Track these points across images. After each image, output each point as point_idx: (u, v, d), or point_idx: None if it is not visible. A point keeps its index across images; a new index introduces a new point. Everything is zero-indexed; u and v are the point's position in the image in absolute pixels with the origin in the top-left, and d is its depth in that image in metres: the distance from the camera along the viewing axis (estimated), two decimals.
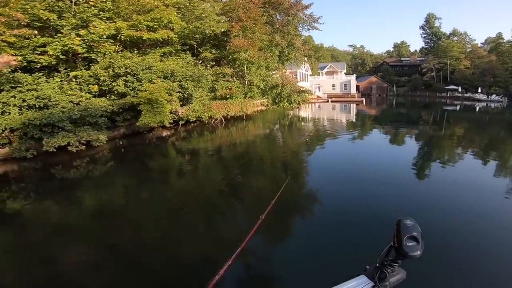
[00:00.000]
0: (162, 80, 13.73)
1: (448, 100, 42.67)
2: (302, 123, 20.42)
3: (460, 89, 45.74)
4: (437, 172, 7.76)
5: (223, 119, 16.21)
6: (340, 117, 24.44)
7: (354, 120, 22.12)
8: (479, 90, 42.22)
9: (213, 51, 18.56)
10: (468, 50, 51.44)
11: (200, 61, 17.54)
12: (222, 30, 17.38)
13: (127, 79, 13.14)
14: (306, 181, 7.47)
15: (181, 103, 14.85)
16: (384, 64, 63.78)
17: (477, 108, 30.93)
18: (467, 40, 53.49)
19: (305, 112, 27.06)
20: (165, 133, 14.08)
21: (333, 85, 45.28)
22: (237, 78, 19.32)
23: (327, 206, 5.46)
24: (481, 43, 54.51)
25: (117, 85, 12.93)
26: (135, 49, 15.06)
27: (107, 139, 11.18)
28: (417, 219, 0.85)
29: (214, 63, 18.54)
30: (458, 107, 32.64)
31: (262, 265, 3.75)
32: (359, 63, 77.71)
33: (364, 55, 79.24)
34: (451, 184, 6.63)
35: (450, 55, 49.19)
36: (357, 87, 47.90)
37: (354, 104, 33.77)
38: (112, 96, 13.16)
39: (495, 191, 6.16)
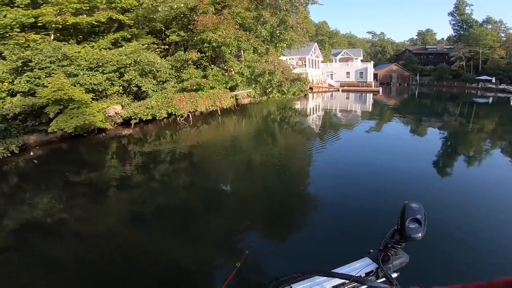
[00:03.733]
0: (90, 71, 11.07)
1: (479, 92, 39.34)
2: (302, 118, 16.03)
3: (493, 80, 42.09)
4: (457, 168, 7.46)
5: (190, 115, 13.32)
6: (355, 108, 22.34)
7: (370, 111, 20.08)
8: None
9: (182, 33, 15.76)
10: (503, 39, 47.24)
11: (166, 46, 15.53)
12: (189, 6, 14.83)
13: (33, 74, 10.32)
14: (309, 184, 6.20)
15: (131, 97, 12.56)
16: (407, 51, 60.08)
17: None
18: (503, 28, 49.15)
19: (313, 102, 24.74)
20: (125, 132, 11.56)
21: (347, 73, 42.70)
22: (217, 64, 17.08)
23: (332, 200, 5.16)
24: None
25: (19, 82, 10.15)
26: (70, 37, 12.53)
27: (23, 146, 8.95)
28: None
29: (183, 47, 16.20)
30: (490, 100, 29.70)
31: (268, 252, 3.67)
32: (378, 51, 74.03)
33: (385, 42, 75.32)
34: (471, 180, 6.38)
35: (483, 44, 45.38)
36: (375, 75, 45.03)
37: (371, 94, 31.29)
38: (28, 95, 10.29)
39: None
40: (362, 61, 46.73)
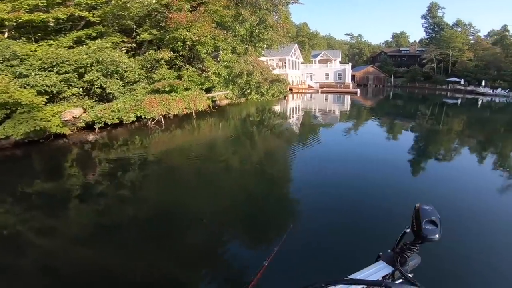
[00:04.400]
0: (43, 72, 10.12)
1: (449, 93, 41.59)
2: (282, 120, 15.78)
3: (462, 82, 44.63)
4: (432, 166, 7.94)
5: (162, 119, 12.54)
6: (334, 109, 22.66)
7: (348, 112, 20.41)
8: (483, 84, 41.19)
9: (154, 31, 14.82)
10: (471, 41, 50.27)
11: (136, 45, 14.67)
12: (162, 2, 14.09)
13: None
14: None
15: (95, 100, 11.67)
16: (382, 54, 62.35)
17: (480, 103, 29.66)
18: (471, 31, 52.40)
19: (293, 103, 24.83)
20: (89, 137, 10.58)
21: (326, 74, 43.51)
22: (193, 65, 16.45)
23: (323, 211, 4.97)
24: (484, 36, 53.52)
25: None
26: (29, 35, 11.62)
27: None
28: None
29: (155, 47, 15.42)
30: (459, 101, 31.43)
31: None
32: (356, 53, 76.33)
33: (362, 44, 77.84)
34: (445, 179, 6.73)
35: (452, 46, 48.07)
36: (353, 77, 46.29)
37: (349, 95, 32.02)
38: None
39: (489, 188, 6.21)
40: (340, 62, 47.82)
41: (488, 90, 38.95)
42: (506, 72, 41.82)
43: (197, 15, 14.63)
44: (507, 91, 38.24)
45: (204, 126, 13.39)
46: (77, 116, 10.53)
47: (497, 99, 33.34)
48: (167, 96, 13.06)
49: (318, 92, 35.75)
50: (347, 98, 29.72)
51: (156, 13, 14.94)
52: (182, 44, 14.74)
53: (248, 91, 17.39)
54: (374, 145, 10.05)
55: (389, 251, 1.02)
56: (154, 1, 13.88)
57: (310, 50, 53.26)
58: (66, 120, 9.95)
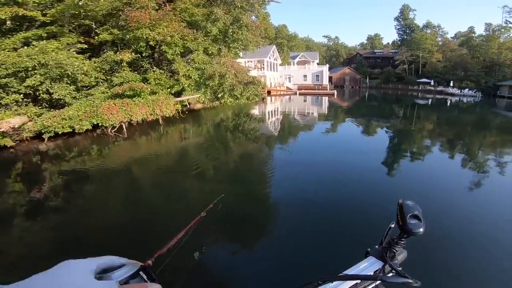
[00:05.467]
0: None
1: (420, 94, 43.48)
2: (259, 123, 15.32)
3: (432, 83, 46.87)
4: (406, 164, 8.34)
5: (124, 126, 11.56)
6: (312, 111, 22.71)
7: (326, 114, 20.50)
8: (451, 84, 43.45)
9: (115, 31, 13.60)
10: (440, 43, 53.01)
11: (94, 45, 13.62)
12: (124, 1, 13.22)
13: None
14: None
15: (44, 107, 10.66)
16: (358, 55, 64.27)
17: (449, 103, 31.15)
18: (440, 33, 55.23)
19: (272, 106, 24.66)
20: (39, 148, 9.49)
21: (305, 76, 44.01)
22: (162, 67, 15.49)
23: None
24: (451, 37, 56.59)
25: None
26: None
27: None
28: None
29: (117, 48, 14.34)
30: (430, 101, 32.82)
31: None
32: (333, 54, 78.11)
33: (339, 46, 79.84)
34: (418, 175, 7.15)
35: (422, 48, 50.39)
36: (330, 78, 47.14)
37: (327, 97, 32.40)
38: None
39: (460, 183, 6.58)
40: (318, 64, 48.61)
41: (456, 91, 41.17)
42: (472, 73, 44.43)
43: (162, 13, 13.70)
44: (474, 91, 40.63)
45: (173, 133, 12.62)
46: (17, 126, 9.37)
47: (465, 99, 35.27)
48: (128, 101, 12.00)
49: (296, 94, 35.94)
50: (325, 100, 30.09)
51: (118, 12, 13.87)
52: (145, 44, 13.75)
53: (221, 94, 16.56)
54: (351, 146, 10.36)
55: (377, 246, 1.04)
56: None
57: (288, 51, 53.70)
58: (3, 132, 8.88)
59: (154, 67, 15.02)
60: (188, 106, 16.19)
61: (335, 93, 34.54)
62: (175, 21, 14.34)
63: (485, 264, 3.55)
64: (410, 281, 0.84)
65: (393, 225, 0.98)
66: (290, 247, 3.94)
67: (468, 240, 4.07)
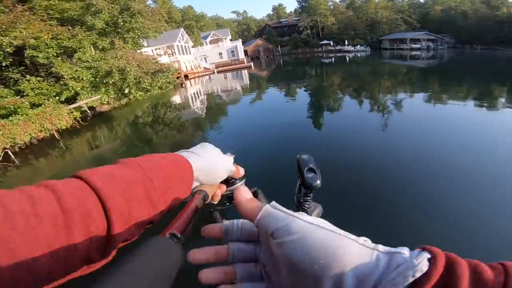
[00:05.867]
0: None
1: (324, 54, 48.70)
2: (182, 110, 14.53)
3: (331, 43, 52.76)
4: (326, 117, 9.14)
5: (10, 153, 9.28)
6: (235, 86, 22.87)
7: (248, 86, 21.00)
8: (346, 43, 49.83)
9: None
10: (331, 7, 59.19)
11: None
12: None
13: None
14: None
15: None
16: (267, 26, 66.60)
17: (348, 59, 35.90)
18: None
19: (192, 89, 23.66)
20: None
21: (220, 54, 43.55)
22: (40, 73, 13.04)
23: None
24: (339, 1, 63.67)
25: None
26: None
27: None
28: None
29: None
30: (333, 60, 37.21)
31: None
32: (244, 29, 78.78)
33: (248, 20, 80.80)
34: (336, 125, 8.17)
35: (319, 13, 55.40)
36: (245, 52, 47.95)
37: (246, 70, 33.01)
38: None
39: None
40: (231, 40, 48.38)
41: (351, 48, 47.66)
42: (360, 31, 51.84)
43: (13, 16, 11.29)
44: (364, 46, 47.72)
45: (79, 144, 10.50)
46: None
47: (359, 54, 41.26)
48: (3, 122, 9.66)
49: (214, 72, 35.39)
50: (245, 73, 30.67)
51: None
52: (1, 52, 11.14)
53: (128, 90, 14.96)
54: (275, 109, 11.08)
55: (296, 204, 1.04)
56: None
57: (199, 32, 51.50)
58: None
59: (27, 76, 12.25)
60: (91, 111, 13.93)
61: (252, 65, 35.50)
62: (36, 21, 12.01)
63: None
64: None
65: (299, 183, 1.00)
66: None
67: (378, 170, 4.67)
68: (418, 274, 0.20)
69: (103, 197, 0.27)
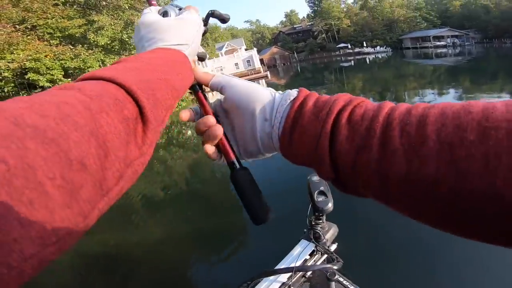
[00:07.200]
0: None
1: (342, 58, 48.14)
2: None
3: (349, 46, 52.19)
4: None
5: None
6: None
7: None
8: (364, 44, 49.08)
9: None
10: (345, 9, 58.89)
11: None
12: None
13: None
14: None
15: None
16: (281, 33, 67.12)
17: (368, 61, 35.32)
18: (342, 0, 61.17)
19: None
20: None
21: (236, 64, 44.28)
22: None
23: None
24: (351, 3, 63.18)
25: None
26: None
27: None
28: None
29: None
30: (352, 63, 36.69)
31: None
32: (259, 37, 79.94)
33: (262, 28, 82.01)
34: None
35: (332, 16, 55.21)
36: (261, 61, 48.45)
37: (263, 80, 33.33)
38: None
39: None
40: (246, 49, 49.28)
41: (370, 49, 46.83)
42: (377, 32, 50.90)
43: (6, 36, 10.78)
44: (384, 47, 46.82)
45: None
46: None
47: (379, 55, 40.45)
48: None
49: None
50: (262, 83, 31.01)
51: None
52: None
53: None
54: None
55: (305, 230, 1.05)
56: None
57: (214, 44, 53.04)
58: None
59: None
60: None
61: (268, 74, 35.61)
62: (34, 40, 11.80)
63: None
64: (328, 266, 0.84)
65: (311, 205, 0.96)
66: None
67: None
68: (291, 98, 0.34)
69: (123, 82, 0.26)
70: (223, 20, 0.49)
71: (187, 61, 0.40)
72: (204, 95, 0.43)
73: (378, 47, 47.51)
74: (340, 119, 0.28)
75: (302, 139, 0.31)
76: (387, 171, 0.24)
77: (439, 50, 36.85)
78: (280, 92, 0.38)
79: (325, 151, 0.28)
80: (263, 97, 0.36)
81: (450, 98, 10.06)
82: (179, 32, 0.41)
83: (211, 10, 0.49)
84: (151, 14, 0.43)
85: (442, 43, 41.52)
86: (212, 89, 0.42)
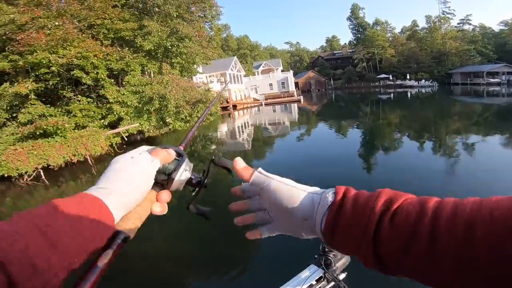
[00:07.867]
0: None
1: (381, 89, 46.19)
2: (227, 141, 14.72)
3: (391, 77, 50.15)
4: (380, 158, 8.81)
5: (42, 173, 9.58)
6: (283, 120, 22.86)
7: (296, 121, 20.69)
8: (408, 77, 46.76)
9: (15, 57, 11.02)
10: (390, 38, 57.33)
11: None
12: (18, 22, 10.96)
13: None
14: None
15: None
16: (320, 58, 67.21)
17: (410, 95, 33.34)
18: (389, 28, 59.77)
19: (240, 121, 24.32)
20: None
21: (270, 84, 44.78)
22: (90, 94, 13.34)
23: None
24: (398, 32, 61.44)
25: None
26: None
27: None
28: None
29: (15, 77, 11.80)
30: (392, 96, 34.89)
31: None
32: (297, 60, 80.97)
33: (301, 51, 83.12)
34: (392, 167, 7.50)
35: (376, 45, 53.94)
36: (296, 84, 48.50)
37: (295, 104, 32.93)
38: None
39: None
40: (282, 71, 49.89)
41: (414, 83, 44.37)
42: (424, 64, 48.37)
43: (62, 32, 11.22)
44: (430, 81, 44.15)
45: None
46: None
47: (423, 90, 38.07)
48: (40, 143, 9.84)
49: (262, 104, 35.75)
50: (294, 107, 30.66)
51: (8, 33, 11.23)
52: (47, 70, 11.25)
53: (169, 120, 14.25)
54: (327, 146, 11.04)
55: (316, 256, 1.08)
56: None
57: (252, 61, 54.65)
58: None
59: (79, 96, 12.61)
60: (128, 138, 13.56)
61: (301, 99, 34.90)
62: (87, 39, 12.35)
63: None
64: None
65: None
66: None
67: None
68: (328, 203, 0.37)
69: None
70: (228, 169, 0.48)
71: (97, 210, 0.35)
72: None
73: (423, 80, 44.81)
74: (382, 226, 0.31)
75: (345, 240, 0.35)
76: (432, 273, 0.27)
77: (491, 88, 33.59)
78: (318, 189, 0.41)
79: (368, 254, 0.32)
80: (302, 206, 0.39)
81: (495, 145, 8.99)
82: (112, 175, 0.40)
83: (212, 158, 0.49)
84: (126, 156, 0.43)
85: (496, 80, 37.97)
86: (252, 186, 0.46)
